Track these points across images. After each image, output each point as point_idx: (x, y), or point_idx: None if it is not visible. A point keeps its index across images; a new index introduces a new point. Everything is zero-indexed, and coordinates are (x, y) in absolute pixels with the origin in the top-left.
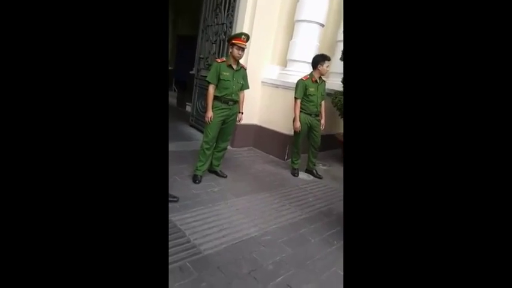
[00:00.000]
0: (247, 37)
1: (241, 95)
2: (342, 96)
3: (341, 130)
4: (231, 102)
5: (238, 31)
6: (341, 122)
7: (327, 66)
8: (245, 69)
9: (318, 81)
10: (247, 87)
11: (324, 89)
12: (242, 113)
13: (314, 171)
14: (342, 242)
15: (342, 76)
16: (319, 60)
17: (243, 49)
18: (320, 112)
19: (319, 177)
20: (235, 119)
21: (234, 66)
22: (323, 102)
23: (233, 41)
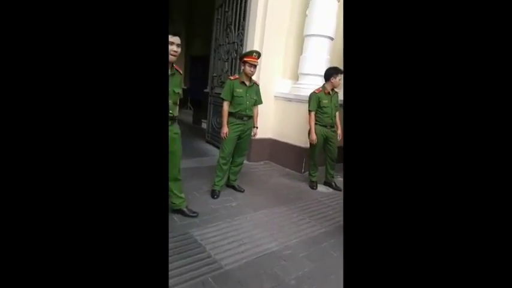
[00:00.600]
0: (259, 54)
1: (255, 110)
2: None
3: None
4: (245, 117)
5: (248, 49)
6: None
7: (339, 79)
8: (258, 85)
9: (331, 93)
10: (261, 102)
11: (337, 100)
12: (257, 127)
13: (333, 183)
14: None
15: None
16: (332, 73)
17: (254, 66)
18: (335, 123)
19: (339, 189)
20: (250, 134)
21: (247, 83)
22: (337, 114)
23: (245, 59)
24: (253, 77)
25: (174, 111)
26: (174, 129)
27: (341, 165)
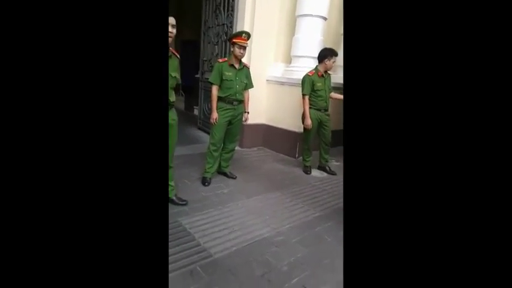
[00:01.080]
0: (248, 35)
1: (245, 95)
2: None
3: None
4: (235, 102)
5: (239, 30)
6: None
7: (333, 62)
8: (248, 68)
9: (324, 75)
10: (252, 86)
11: (330, 83)
12: (248, 112)
13: (327, 167)
14: None
15: None
16: (326, 54)
17: (244, 48)
18: (335, 98)
19: (333, 174)
20: (241, 119)
21: (237, 66)
22: (332, 94)
23: (234, 40)
24: (244, 60)
25: (171, 96)
26: (171, 116)
27: (335, 149)
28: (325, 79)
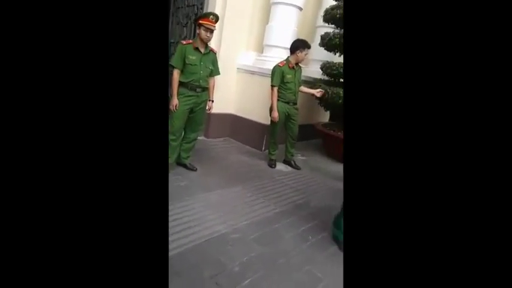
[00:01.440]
0: (216, 17)
1: (211, 82)
2: (322, 84)
3: (321, 119)
4: (198, 89)
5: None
6: (321, 110)
7: (306, 54)
8: (215, 53)
9: (295, 67)
10: (218, 73)
11: (300, 76)
12: (212, 101)
13: (292, 162)
14: (317, 237)
15: (321, 63)
16: (298, 45)
17: (211, 31)
18: (305, 92)
19: (298, 168)
20: (204, 108)
21: (202, 50)
22: (302, 87)
23: (200, 22)
24: (213, 46)
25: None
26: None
27: (302, 143)
28: (295, 71)
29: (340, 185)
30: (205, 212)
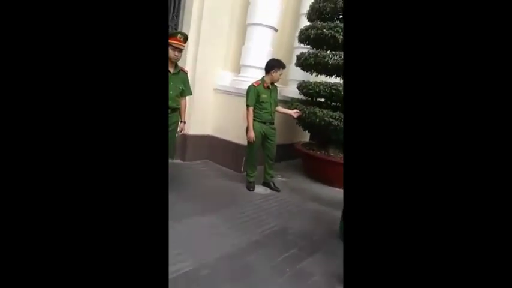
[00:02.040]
0: (185, 37)
1: (182, 102)
2: (299, 104)
3: (300, 139)
4: (169, 109)
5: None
6: (300, 130)
7: (280, 74)
8: (186, 73)
9: (271, 87)
10: (190, 93)
11: (277, 95)
12: (184, 122)
13: (271, 183)
14: (295, 269)
15: (297, 83)
16: (274, 65)
17: (180, 50)
18: (282, 113)
19: (277, 190)
20: (175, 129)
21: (171, 69)
22: (279, 107)
23: (169, 41)
24: (188, 66)
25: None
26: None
27: (281, 164)
28: (271, 91)
29: (320, 206)
30: (172, 245)
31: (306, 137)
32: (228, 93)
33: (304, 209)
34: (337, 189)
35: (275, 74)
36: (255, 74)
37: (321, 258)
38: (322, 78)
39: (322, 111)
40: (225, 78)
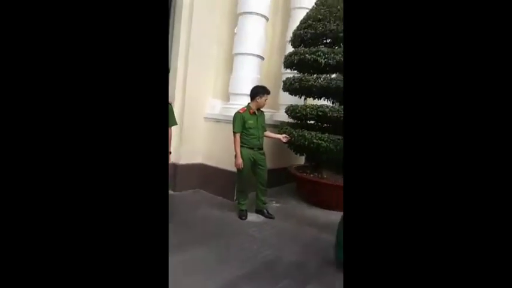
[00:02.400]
0: None
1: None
2: (288, 127)
3: (295, 162)
4: None
5: (172, 65)
6: (292, 153)
7: (266, 100)
8: (170, 104)
9: (257, 113)
10: (174, 123)
11: (264, 121)
12: (170, 152)
13: (265, 210)
14: None
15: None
16: (258, 91)
17: None
18: (271, 137)
19: (271, 217)
20: None
21: None
22: (267, 132)
23: None
24: (177, 96)
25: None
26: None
27: (276, 189)
28: (257, 117)
29: (316, 232)
30: None
31: (301, 160)
32: (218, 121)
33: (299, 236)
34: (332, 211)
35: (260, 100)
36: (244, 101)
37: None
38: (315, 101)
39: (310, 134)
40: (215, 107)
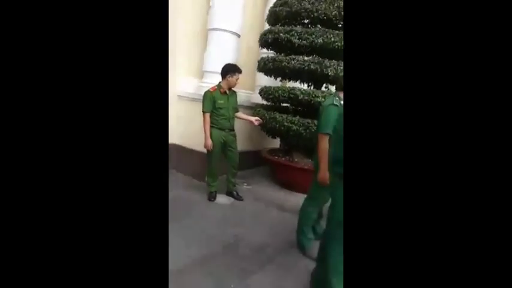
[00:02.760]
0: None
1: None
2: (261, 109)
3: (266, 145)
4: None
5: None
6: (265, 136)
7: (237, 79)
8: None
9: (228, 92)
10: None
11: (236, 101)
12: None
13: (234, 192)
14: (243, 283)
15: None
16: (228, 70)
17: None
18: (243, 119)
19: (240, 199)
20: None
21: None
22: (239, 113)
23: None
24: None
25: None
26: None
27: (248, 172)
28: (228, 97)
29: (284, 214)
30: None
31: (277, 143)
32: (192, 99)
33: (266, 218)
34: (303, 195)
35: (231, 79)
36: (218, 80)
37: (272, 271)
38: (292, 83)
39: (282, 117)
40: (190, 85)
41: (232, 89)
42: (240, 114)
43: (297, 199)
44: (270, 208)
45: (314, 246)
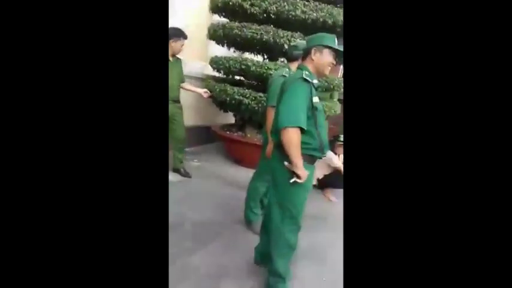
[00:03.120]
0: None
1: None
2: (211, 81)
3: (219, 121)
4: None
5: None
6: (217, 111)
7: (182, 45)
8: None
9: (171, 59)
10: None
11: (181, 70)
12: None
13: (181, 169)
14: (183, 262)
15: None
16: (171, 34)
17: None
18: (191, 91)
19: (188, 176)
20: None
21: None
22: (185, 84)
23: None
24: None
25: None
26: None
27: (198, 148)
28: (172, 64)
29: (233, 191)
30: None
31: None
32: None
33: (214, 195)
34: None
35: (175, 45)
36: None
37: (215, 249)
38: (248, 55)
39: (233, 89)
40: None
41: (177, 56)
42: (186, 85)
43: (249, 175)
44: (220, 185)
45: (260, 221)
